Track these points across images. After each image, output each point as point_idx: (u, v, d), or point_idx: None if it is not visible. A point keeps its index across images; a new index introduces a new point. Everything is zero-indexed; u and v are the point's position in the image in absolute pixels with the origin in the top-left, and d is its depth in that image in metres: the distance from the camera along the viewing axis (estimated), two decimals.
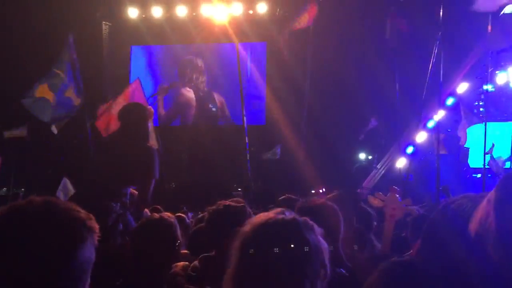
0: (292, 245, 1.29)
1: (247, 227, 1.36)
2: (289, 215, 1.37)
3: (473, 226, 1.14)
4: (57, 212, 1.11)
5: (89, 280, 1.15)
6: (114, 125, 6.11)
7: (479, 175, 11.07)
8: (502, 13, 10.63)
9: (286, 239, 1.29)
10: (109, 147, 3.54)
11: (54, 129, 8.30)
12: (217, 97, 13.23)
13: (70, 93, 8.26)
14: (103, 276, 2.61)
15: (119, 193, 3.16)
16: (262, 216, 1.37)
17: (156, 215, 2.32)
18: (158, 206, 4.83)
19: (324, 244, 1.36)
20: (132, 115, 3.39)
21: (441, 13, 8.37)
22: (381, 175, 12.12)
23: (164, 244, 2.21)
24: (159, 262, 2.18)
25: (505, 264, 1.00)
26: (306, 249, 1.29)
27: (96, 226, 1.16)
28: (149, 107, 3.87)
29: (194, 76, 13.18)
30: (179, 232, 2.82)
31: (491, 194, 1.10)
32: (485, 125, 9.03)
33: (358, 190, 11.35)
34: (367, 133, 11.45)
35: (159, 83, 13.12)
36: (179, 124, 13.29)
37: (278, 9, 12.33)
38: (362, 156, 13.42)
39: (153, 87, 13.06)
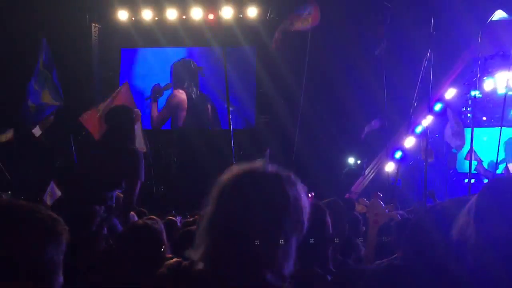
0: (271, 196, 1.28)
1: (227, 175, 1.34)
2: (272, 167, 1.35)
3: (454, 233, 1.15)
4: (19, 213, 1.13)
5: (58, 280, 1.16)
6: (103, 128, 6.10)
7: (466, 180, 11.19)
8: (489, 20, 10.77)
9: (265, 190, 1.28)
10: (95, 150, 3.51)
11: (37, 130, 8.25)
12: (209, 101, 13.23)
13: (47, 99, 8.23)
14: (88, 280, 2.59)
15: (104, 197, 3.14)
16: (245, 166, 1.35)
17: (141, 221, 2.31)
18: (143, 209, 4.81)
19: (305, 202, 1.34)
20: (118, 118, 3.37)
21: (432, 23, 8.46)
22: (369, 180, 12.18)
23: (149, 249, 2.20)
24: (144, 266, 2.16)
25: (483, 271, 1.01)
26: (284, 202, 1.28)
27: (62, 228, 1.17)
28: (136, 109, 3.85)
29: (187, 78, 13.15)
30: (165, 236, 2.81)
31: (472, 204, 1.11)
32: (472, 130, 9.14)
33: (347, 195, 11.40)
34: (368, 134, 11.49)
35: (153, 85, 13.09)
36: (170, 126, 13.24)
37: (269, 14, 12.36)
38: (351, 160, 13.47)
39: (142, 90, 13.02)
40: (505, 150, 12.13)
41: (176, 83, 13.18)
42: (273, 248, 1.28)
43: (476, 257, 1.01)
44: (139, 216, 3.88)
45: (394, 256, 2.36)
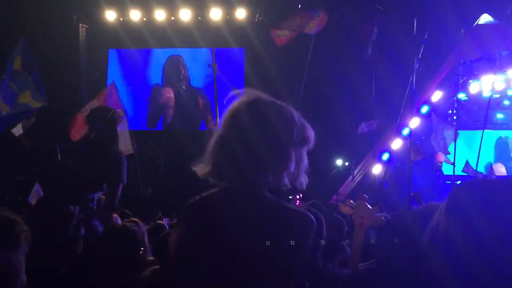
0: (277, 117, 1.55)
1: (238, 101, 1.61)
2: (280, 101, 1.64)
3: (426, 233, 1.17)
4: None
5: (21, 281, 1.15)
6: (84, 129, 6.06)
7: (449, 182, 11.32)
8: (475, 24, 10.88)
9: (272, 112, 1.56)
10: (76, 152, 3.48)
11: (17, 130, 8.15)
12: (201, 95, 13.17)
13: (27, 99, 8.11)
14: (67, 281, 2.58)
15: (85, 199, 3.12)
16: (256, 93, 1.64)
17: (119, 224, 2.30)
18: (127, 211, 4.79)
19: (306, 124, 1.63)
20: (99, 119, 3.35)
21: (415, 25, 8.53)
22: (357, 181, 12.23)
23: (127, 252, 2.19)
24: (123, 269, 2.16)
25: (451, 270, 1.02)
26: (286, 124, 1.56)
27: (21, 230, 1.16)
28: (118, 110, 3.83)
29: (176, 76, 13.11)
30: (146, 239, 2.79)
31: (443, 205, 1.13)
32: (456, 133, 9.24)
33: (334, 196, 11.44)
34: (366, 133, 11.54)
35: (152, 86, 13.04)
36: (162, 125, 13.17)
37: (257, 15, 12.37)
38: (339, 162, 13.53)
39: (130, 91, 12.97)
40: (495, 151, 12.31)
41: (166, 80, 13.14)
42: (277, 159, 1.53)
43: (444, 256, 1.02)
44: (123, 218, 3.86)
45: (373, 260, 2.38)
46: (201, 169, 1.61)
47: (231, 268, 1.44)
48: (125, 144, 8.94)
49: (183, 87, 13.06)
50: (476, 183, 0.99)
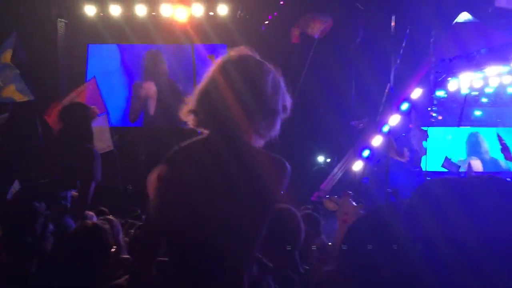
0: (259, 73, 1.66)
1: (229, 55, 1.71)
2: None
3: (387, 233, 1.17)
4: None
5: None
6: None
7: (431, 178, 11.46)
8: (454, 22, 11.01)
9: (262, 73, 1.66)
10: (49, 149, 3.43)
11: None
12: (180, 93, 13.06)
13: (11, 92, 7.97)
14: (37, 281, 2.53)
15: (57, 196, 3.07)
16: (244, 50, 1.75)
17: (90, 222, 2.27)
18: (104, 208, 4.74)
19: (288, 94, 1.75)
20: (72, 115, 3.30)
21: (392, 22, 8.60)
22: (338, 178, 12.31)
23: (97, 251, 2.17)
24: (92, 268, 2.13)
25: (408, 271, 1.02)
26: (273, 86, 1.68)
27: None
28: (93, 107, 3.78)
29: (155, 70, 12.98)
30: (121, 236, 2.77)
31: (405, 205, 1.13)
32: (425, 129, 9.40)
33: (316, 193, 11.50)
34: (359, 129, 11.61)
35: (132, 82, 12.89)
36: (143, 120, 13.02)
37: (239, 12, 12.33)
38: (320, 159, 13.58)
39: (110, 86, 12.81)
40: (467, 146, 12.54)
41: (147, 74, 13.01)
42: (259, 115, 1.65)
43: (405, 247, 1.02)
44: (99, 215, 3.81)
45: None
46: (185, 114, 1.70)
47: (210, 209, 1.52)
48: (104, 141, 8.84)
49: (163, 81, 12.94)
50: (438, 181, 0.99)
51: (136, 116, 12.84)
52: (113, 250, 2.21)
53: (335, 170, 12.47)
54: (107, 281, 2.67)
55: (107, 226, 2.28)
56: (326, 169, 13.08)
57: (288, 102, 1.79)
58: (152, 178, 1.67)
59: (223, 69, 1.69)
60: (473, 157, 12.51)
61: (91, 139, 3.40)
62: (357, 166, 11.70)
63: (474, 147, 12.72)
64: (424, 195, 0.96)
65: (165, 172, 1.61)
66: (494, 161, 12.38)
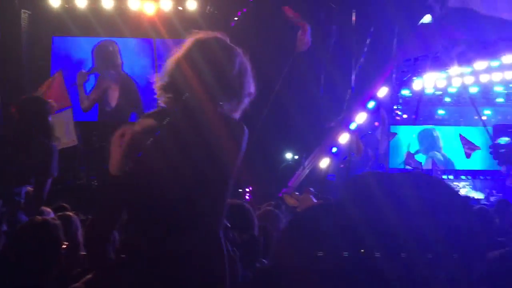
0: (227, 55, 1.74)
1: (195, 37, 1.81)
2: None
3: (321, 226, 1.19)
4: None
5: None
6: None
7: None
8: (420, 22, 11.25)
9: (219, 53, 1.73)
10: (4, 143, 3.32)
11: None
12: (134, 88, 12.85)
13: None
14: None
15: (11, 192, 2.99)
16: (210, 33, 1.86)
17: (40, 218, 2.23)
18: (65, 204, 4.64)
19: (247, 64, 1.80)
20: (29, 109, 3.21)
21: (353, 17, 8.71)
22: (306, 174, 12.44)
23: (46, 247, 2.12)
24: (41, 265, 2.09)
25: (330, 265, 1.03)
26: (240, 70, 1.75)
27: None
28: (51, 101, 3.68)
29: (107, 60, 12.74)
30: (80, 233, 2.72)
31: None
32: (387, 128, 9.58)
33: (284, 190, 11.59)
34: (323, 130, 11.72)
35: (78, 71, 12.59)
36: (98, 112, 12.73)
37: (208, 7, 12.27)
38: (288, 155, 13.70)
39: (75, 79, 12.55)
40: (419, 142, 12.87)
41: (102, 65, 12.73)
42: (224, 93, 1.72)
43: (334, 250, 1.04)
44: (58, 212, 3.74)
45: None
46: (157, 82, 1.74)
47: (184, 169, 1.60)
48: (68, 136, 8.66)
49: (115, 74, 12.70)
50: (362, 177, 1.02)
51: (86, 107, 12.53)
52: (64, 246, 2.17)
53: (303, 167, 12.59)
54: (63, 280, 2.63)
55: (57, 222, 2.23)
56: (294, 166, 13.21)
57: (253, 88, 1.84)
58: (116, 136, 1.70)
59: (189, 49, 1.76)
60: (436, 152, 12.84)
61: (49, 134, 3.31)
62: (324, 163, 11.84)
63: (428, 143, 13.05)
64: (350, 189, 0.99)
65: (130, 132, 1.66)
66: (447, 158, 12.75)
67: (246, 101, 1.87)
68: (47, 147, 3.15)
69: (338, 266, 1.01)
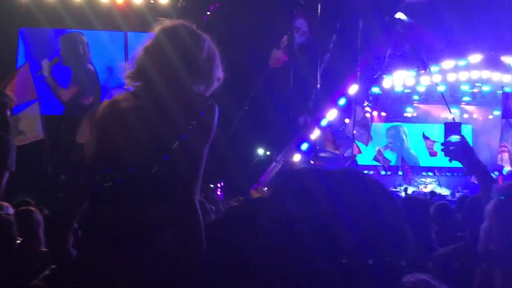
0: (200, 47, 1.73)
1: (162, 25, 1.79)
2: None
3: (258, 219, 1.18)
4: None
5: None
6: None
7: (366, 171, 11.88)
8: (391, 21, 11.39)
9: (186, 39, 1.73)
10: None
11: None
12: (97, 82, 12.64)
13: None
14: None
15: None
16: (176, 21, 1.82)
17: None
18: (29, 200, 4.53)
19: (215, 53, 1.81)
20: None
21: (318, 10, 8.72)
22: (277, 170, 12.50)
23: None
24: None
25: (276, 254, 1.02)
26: (209, 56, 1.75)
27: None
28: (10, 93, 3.57)
29: (71, 52, 12.49)
30: (42, 228, 2.67)
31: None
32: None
33: (255, 185, 11.62)
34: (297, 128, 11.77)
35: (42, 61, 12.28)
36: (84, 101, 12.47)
37: (181, 1, 12.16)
38: (260, 151, 13.74)
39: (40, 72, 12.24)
40: (387, 137, 13.12)
41: (65, 56, 12.45)
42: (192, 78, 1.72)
43: (267, 243, 1.02)
44: (22, 206, 3.65)
45: None
46: (126, 71, 1.76)
47: (144, 140, 1.60)
48: (33, 130, 8.45)
49: (81, 66, 12.46)
50: (302, 170, 1.02)
51: (67, 100, 12.27)
52: (18, 242, 2.12)
53: (275, 162, 12.66)
54: (23, 275, 2.57)
55: (11, 217, 2.18)
56: (266, 162, 13.25)
57: (222, 73, 1.84)
58: (84, 123, 1.70)
59: (157, 37, 1.75)
60: (408, 148, 13.11)
61: (6, 127, 3.22)
62: (296, 158, 11.92)
63: (395, 140, 13.32)
64: (287, 184, 0.99)
65: (95, 116, 1.66)
66: (413, 156, 13.02)
67: (215, 85, 1.85)
68: (4, 140, 3.06)
69: (267, 260, 1.00)
